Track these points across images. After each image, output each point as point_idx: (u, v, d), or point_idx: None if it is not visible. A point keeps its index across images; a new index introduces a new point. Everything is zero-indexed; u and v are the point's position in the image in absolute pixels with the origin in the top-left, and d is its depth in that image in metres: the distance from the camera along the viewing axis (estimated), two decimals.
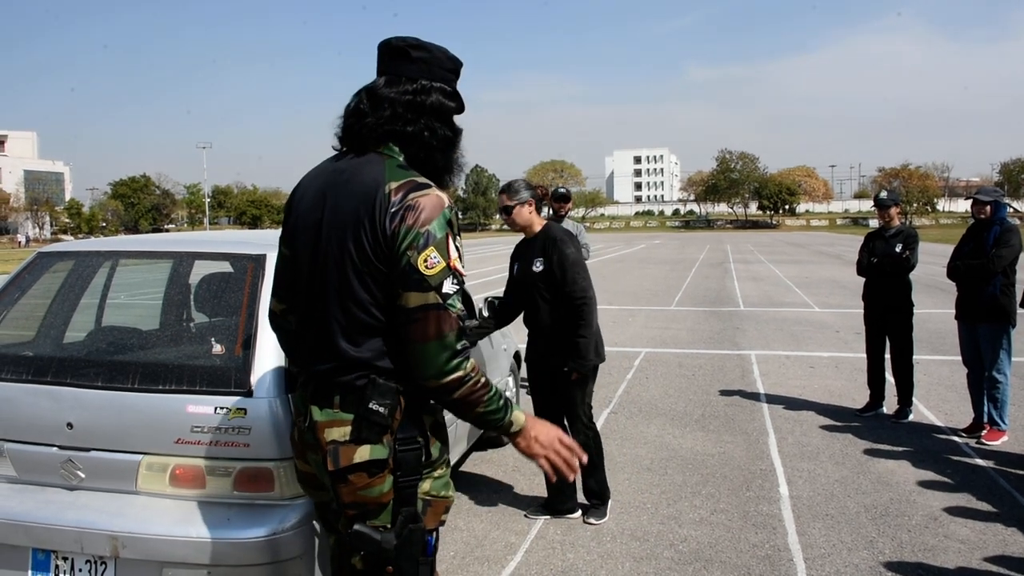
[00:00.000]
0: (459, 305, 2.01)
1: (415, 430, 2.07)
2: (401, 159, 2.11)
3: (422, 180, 2.05)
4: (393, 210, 1.97)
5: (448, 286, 1.97)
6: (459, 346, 1.98)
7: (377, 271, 1.99)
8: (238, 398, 2.89)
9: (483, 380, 2.03)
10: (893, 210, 6.75)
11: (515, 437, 2.14)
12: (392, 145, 2.13)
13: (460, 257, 2.04)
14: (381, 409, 2.02)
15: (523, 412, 2.14)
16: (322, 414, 2.07)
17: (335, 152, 2.23)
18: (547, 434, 2.15)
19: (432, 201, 2.00)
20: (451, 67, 2.21)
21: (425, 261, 1.95)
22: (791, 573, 3.93)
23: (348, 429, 2.03)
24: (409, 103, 2.12)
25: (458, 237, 2.05)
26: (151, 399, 2.96)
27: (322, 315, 2.08)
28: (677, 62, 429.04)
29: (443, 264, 1.97)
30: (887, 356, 6.84)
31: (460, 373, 1.98)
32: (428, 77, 2.15)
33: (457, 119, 2.26)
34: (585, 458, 2.25)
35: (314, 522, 2.82)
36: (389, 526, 2.04)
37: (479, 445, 5.82)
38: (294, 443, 2.26)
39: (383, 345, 2.04)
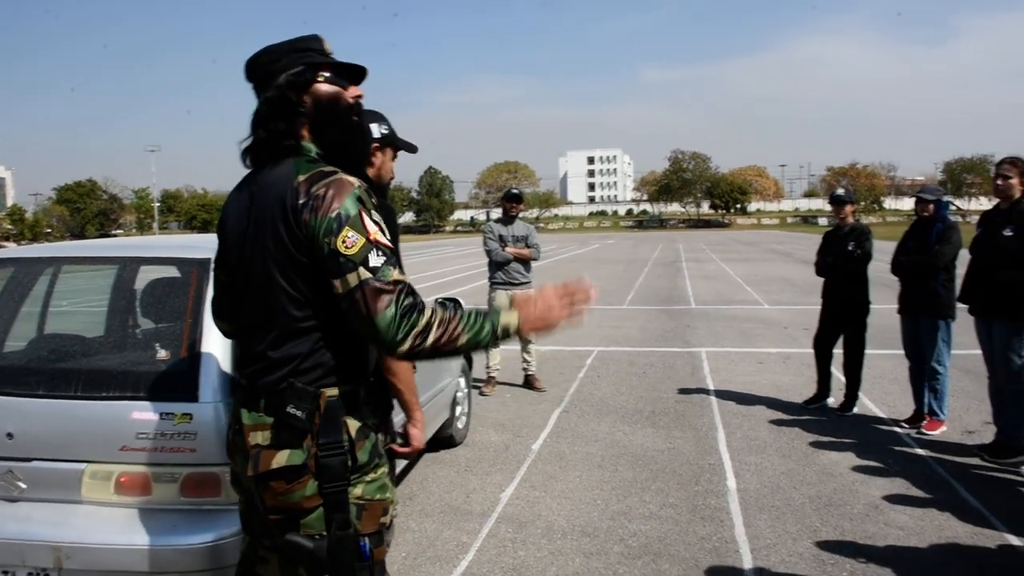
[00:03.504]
0: (393, 272, 1.96)
1: (338, 435, 2.05)
2: (313, 153, 2.12)
3: (329, 169, 2.05)
4: (302, 201, 1.97)
5: (374, 259, 1.94)
6: (403, 307, 1.92)
7: (300, 264, 2.00)
8: (183, 403, 2.89)
9: (446, 318, 1.97)
10: (848, 207, 6.91)
11: (524, 331, 2.07)
12: (305, 143, 2.14)
13: (382, 230, 2.01)
14: (299, 413, 2.01)
15: (509, 310, 2.06)
16: (249, 417, 2.08)
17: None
18: (543, 300, 2.09)
19: (338, 185, 2.00)
20: (272, 60, 2.16)
21: (344, 242, 1.94)
22: (738, 564, 4.01)
23: (270, 433, 2.04)
24: (268, 113, 2.12)
25: (374, 212, 2.02)
26: (94, 407, 2.94)
27: (251, 321, 2.10)
28: (630, 63, 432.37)
29: (362, 240, 1.95)
30: (836, 351, 7.01)
31: (417, 329, 1.92)
32: (268, 80, 2.14)
33: (325, 89, 2.17)
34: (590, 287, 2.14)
35: None
36: (324, 533, 2.03)
37: (430, 446, 5.84)
38: (228, 445, 2.25)
39: (306, 347, 2.04)
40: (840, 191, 7.04)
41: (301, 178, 2.01)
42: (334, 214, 1.95)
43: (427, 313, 1.95)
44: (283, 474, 2.01)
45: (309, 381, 2.04)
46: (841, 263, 6.79)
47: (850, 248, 6.73)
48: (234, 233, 2.15)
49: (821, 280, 7.17)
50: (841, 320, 6.92)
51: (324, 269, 1.97)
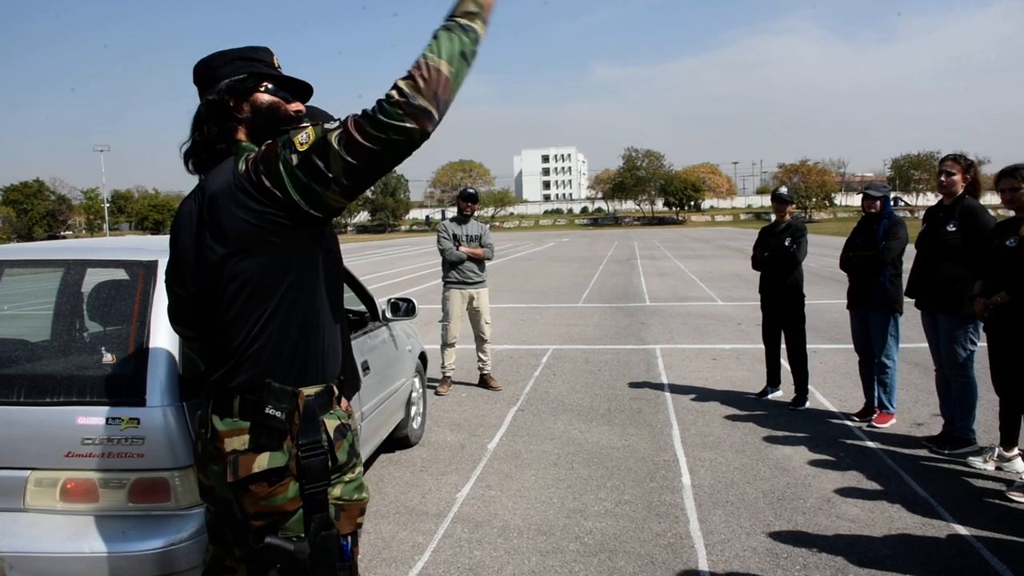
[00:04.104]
0: (346, 117, 1.94)
1: (317, 435, 2.04)
2: (255, 151, 2.10)
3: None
4: (255, 179, 1.98)
5: (331, 126, 1.93)
6: (377, 112, 1.86)
7: (276, 249, 2.00)
8: (131, 408, 2.83)
9: (411, 71, 1.87)
10: (789, 207, 7.14)
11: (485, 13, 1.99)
12: (245, 143, 2.17)
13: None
14: (278, 414, 2.00)
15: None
16: (223, 424, 2.06)
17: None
18: None
19: (267, 144, 2.03)
20: (219, 64, 2.21)
21: (300, 145, 1.93)
22: (692, 559, 4.04)
23: (247, 438, 2.02)
24: (205, 114, 2.17)
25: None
26: (38, 412, 2.88)
27: (221, 323, 2.07)
28: (583, 62, 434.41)
29: (309, 128, 1.97)
30: (783, 345, 7.14)
31: (402, 100, 1.84)
32: (210, 87, 2.19)
33: (266, 94, 2.21)
34: None
35: None
36: (303, 535, 2.02)
37: (386, 447, 5.80)
38: (196, 456, 2.22)
39: (283, 345, 2.04)
40: (783, 190, 7.27)
41: (242, 167, 2.02)
42: (280, 153, 1.96)
43: (391, 90, 1.88)
44: (265, 477, 1.99)
45: (286, 380, 2.04)
46: (779, 257, 6.98)
47: (787, 244, 6.94)
48: (187, 241, 2.15)
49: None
50: (779, 312, 7.11)
51: (317, 184, 1.92)
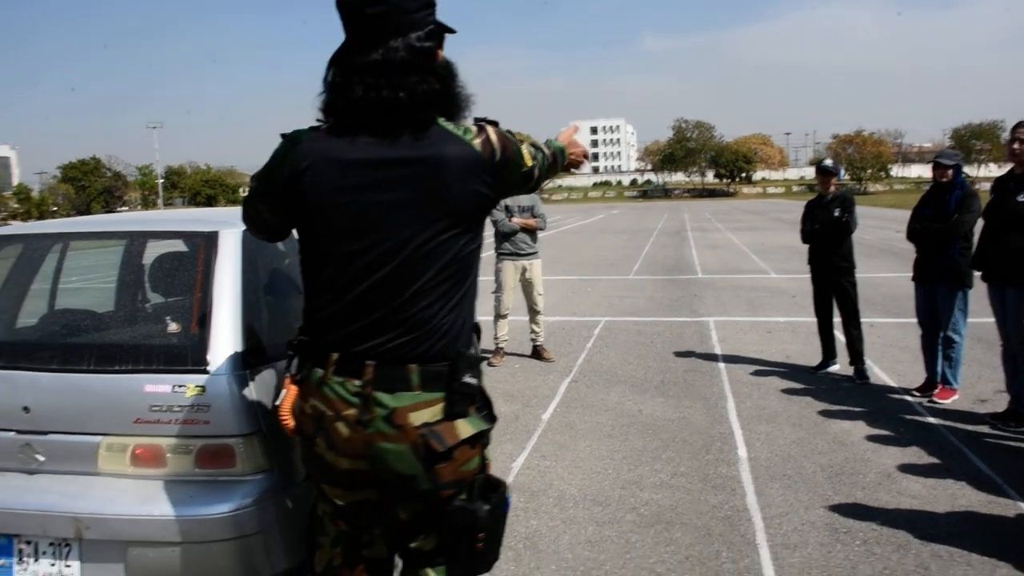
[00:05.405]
0: (539, 147, 2.40)
1: (486, 396, 2.12)
2: (474, 131, 2.08)
3: (473, 126, 2.10)
4: (499, 159, 2.07)
5: (527, 152, 2.26)
6: (538, 159, 2.33)
7: (477, 219, 2.09)
8: (196, 375, 2.88)
9: (546, 152, 2.42)
10: (834, 179, 7.05)
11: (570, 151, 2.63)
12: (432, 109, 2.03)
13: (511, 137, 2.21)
14: (474, 381, 2.04)
15: (553, 143, 2.56)
16: (395, 399, 1.97)
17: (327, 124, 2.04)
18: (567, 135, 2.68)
19: (496, 132, 2.13)
20: (415, 7, 1.99)
21: (530, 160, 2.25)
22: (750, 532, 4.02)
23: (439, 407, 1.99)
24: (380, 66, 1.95)
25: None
26: (108, 380, 2.93)
27: (401, 295, 1.98)
28: (633, 32, 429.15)
29: (526, 151, 2.25)
30: (836, 319, 7.08)
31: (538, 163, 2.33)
32: (396, 33, 1.96)
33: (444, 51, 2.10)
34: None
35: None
36: (469, 496, 2.07)
37: None
38: (334, 442, 2.04)
39: (463, 312, 2.06)
40: (828, 162, 7.30)
41: (477, 142, 2.04)
42: (516, 154, 2.17)
43: (542, 156, 2.38)
44: (470, 441, 2.03)
45: (468, 346, 2.08)
46: (829, 230, 6.91)
47: (837, 214, 6.85)
48: (363, 199, 1.97)
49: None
50: (831, 284, 7.03)
51: (525, 181, 2.27)
